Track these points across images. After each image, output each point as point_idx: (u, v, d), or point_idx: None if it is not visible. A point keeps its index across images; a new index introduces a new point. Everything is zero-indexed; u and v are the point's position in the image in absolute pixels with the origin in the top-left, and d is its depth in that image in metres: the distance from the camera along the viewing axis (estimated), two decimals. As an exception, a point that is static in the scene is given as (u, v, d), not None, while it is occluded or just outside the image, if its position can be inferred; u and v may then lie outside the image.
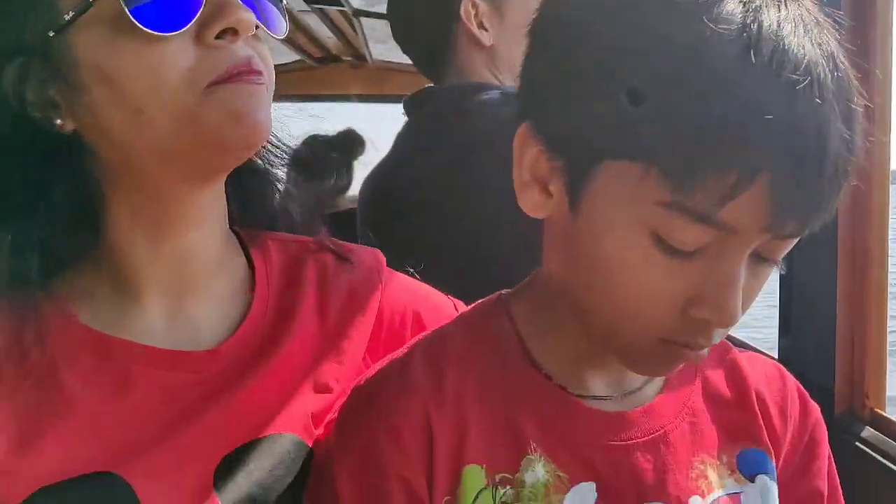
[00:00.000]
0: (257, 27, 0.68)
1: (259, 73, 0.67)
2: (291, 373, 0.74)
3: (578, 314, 0.64)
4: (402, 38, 1.55)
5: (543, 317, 0.68)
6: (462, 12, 1.39)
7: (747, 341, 1.57)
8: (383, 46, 4.06)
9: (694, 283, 0.56)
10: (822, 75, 0.53)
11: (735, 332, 0.82)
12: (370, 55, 4.57)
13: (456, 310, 0.84)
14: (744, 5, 0.53)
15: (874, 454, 1.18)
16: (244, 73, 0.66)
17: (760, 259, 0.59)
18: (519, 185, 0.64)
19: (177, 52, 0.63)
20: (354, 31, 4.08)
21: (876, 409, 1.25)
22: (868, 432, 1.23)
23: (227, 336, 0.74)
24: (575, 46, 0.58)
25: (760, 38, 0.52)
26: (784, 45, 0.52)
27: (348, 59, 4.99)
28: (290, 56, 4.57)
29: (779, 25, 0.52)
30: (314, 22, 4.05)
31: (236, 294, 0.77)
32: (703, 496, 0.66)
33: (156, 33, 0.62)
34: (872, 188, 1.27)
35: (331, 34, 4.32)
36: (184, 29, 0.63)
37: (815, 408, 0.77)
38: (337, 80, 5.18)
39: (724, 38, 0.51)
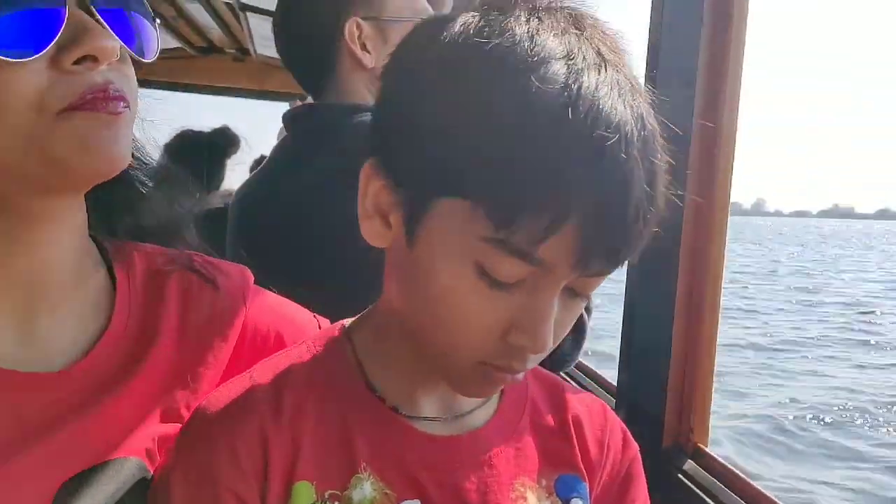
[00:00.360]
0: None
1: (119, 99, 0.64)
2: (145, 397, 0.73)
3: (411, 338, 0.69)
4: (285, 52, 1.55)
5: (381, 342, 0.73)
6: (346, 33, 1.41)
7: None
8: (269, 42, 4.04)
9: (512, 313, 0.62)
10: (629, 133, 0.58)
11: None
12: (254, 50, 4.53)
13: (320, 329, 0.86)
14: (567, 67, 0.59)
15: (694, 487, 1.29)
16: (100, 99, 0.63)
17: (573, 293, 0.65)
18: (362, 214, 0.68)
19: (28, 75, 0.60)
20: (240, 24, 4.04)
21: (699, 444, 1.36)
22: (689, 465, 1.33)
23: (81, 355, 0.72)
24: (418, 95, 0.63)
25: (579, 98, 0.57)
26: (599, 105, 0.58)
27: (231, 51, 4.93)
28: (170, 43, 4.48)
29: (597, 87, 0.58)
30: (198, 11, 3.99)
31: (95, 310, 0.75)
32: None
33: (5, 59, 0.59)
34: (712, 238, 1.37)
35: (214, 25, 4.26)
36: (38, 55, 0.60)
37: (635, 446, 0.83)
38: (217, 72, 5.11)
39: (547, 96, 0.57)
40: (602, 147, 0.57)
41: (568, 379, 1.86)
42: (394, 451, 0.69)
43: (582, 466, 0.76)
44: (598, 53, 0.61)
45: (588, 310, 1.32)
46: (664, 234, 1.36)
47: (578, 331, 1.30)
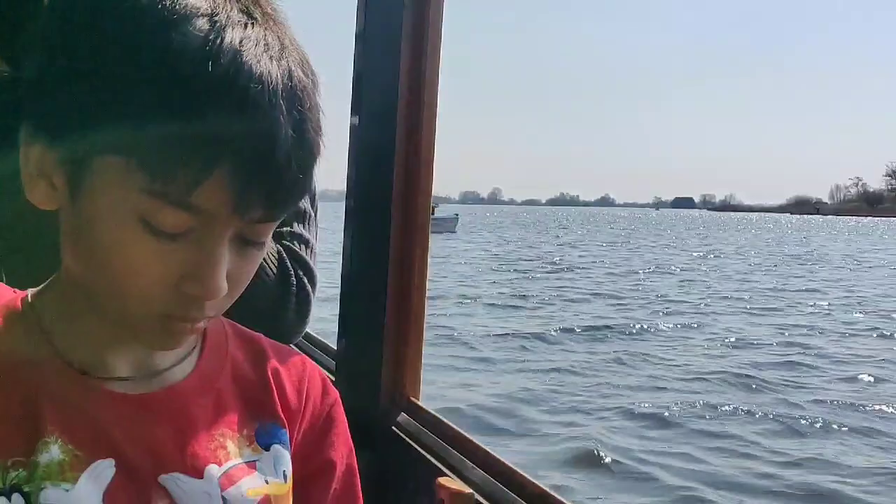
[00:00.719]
0: None
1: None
2: None
3: (92, 299, 0.69)
4: None
5: (66, 307, 0.72)
6: None
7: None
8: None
9: (183, 262, 0.64)
10: (274, 84, 0.62)
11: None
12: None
13: None
14: (211, 23, 0.62)
15: (406, 437, 1.40)
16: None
17: (245, 241, 0.68)
18: (26, 179, 0.68)
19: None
20: None
21: (411, 398, 1.48)
22: (403, 417, 1.45)
23: None
24: (66, 48, 0.64)
25: (221, 51, 0.61)
26: (242, 58, 0.61)
27: None
28: None
29: (240, 42, 0.62)
30: None
31: None
32: (219, 464, 0.73)
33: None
34: (418, 222, 1.49)
35: None
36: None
37: (335, 392, 0.87)
38: None
39: (189, 49, 0.60)
40: (245, 97, 0.61)
41: (293, 347, 1.90)
42: (84, 413, 0.70)
43: (282, 415, 0.80)
44: (245, 13, 0.65)
45: (313, 282, 1.36)
46: (378, 216, 1.47)
47: (302, 303, 1.34)
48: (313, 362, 0.87)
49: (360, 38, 1.56)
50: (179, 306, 0.66)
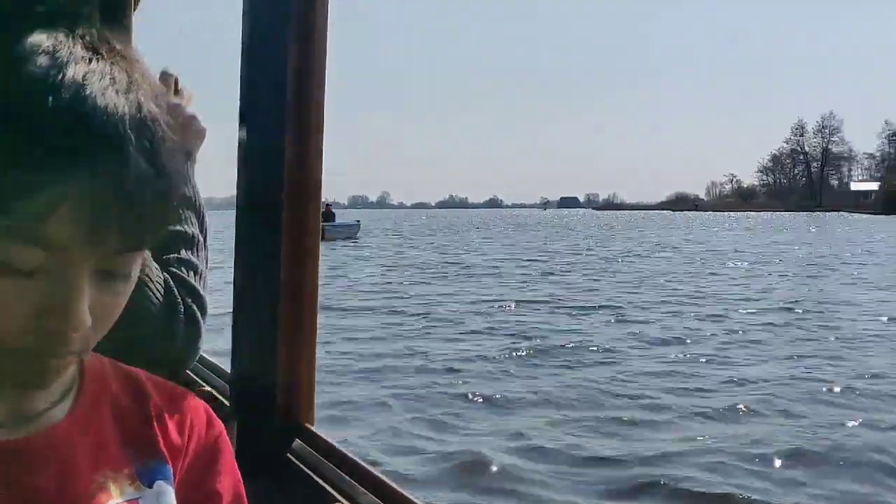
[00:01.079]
0: None
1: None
2: None
3: None
4: None
5: None
6: None
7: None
8: None
9: (42, 297, 0.64)
10: (120, 116, 0.63)
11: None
12: None
13: None
14: (52, 59, 0.62)
15: (301, 464, 1.41)
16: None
17: (108, 274, 0.68)
18: None
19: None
20: None
21: (306, 425, 1.48)
22: (297, 444, 1.45)
23: None
24: None
25: (62, 85, 0.61)
26: (84, 91, 0.62)
27: None
28: None
29: (84, 77, 0.63)
30: None
31: None
32: None
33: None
34: (308, 223, 1.50)
35: None
36: None
37: (220, 424, 0.88)
38: None
39: (30, 85, 0.61)
40: (89, 129, 0.61)
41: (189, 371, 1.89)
42: None
43: (165, 451, 0.81)
44: (90, 49, 0.66)
45: (203, 309, 1.36)
46: (267, 230, 1.47)
47: (191, 330, 1.33)
48: (195, 396, 0.88)
49: (245, 47, 1.55)
50: (43, 342, 0.66)
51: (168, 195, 0.67)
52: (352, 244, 40.82)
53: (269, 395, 1.49)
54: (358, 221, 50.46)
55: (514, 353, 11.11)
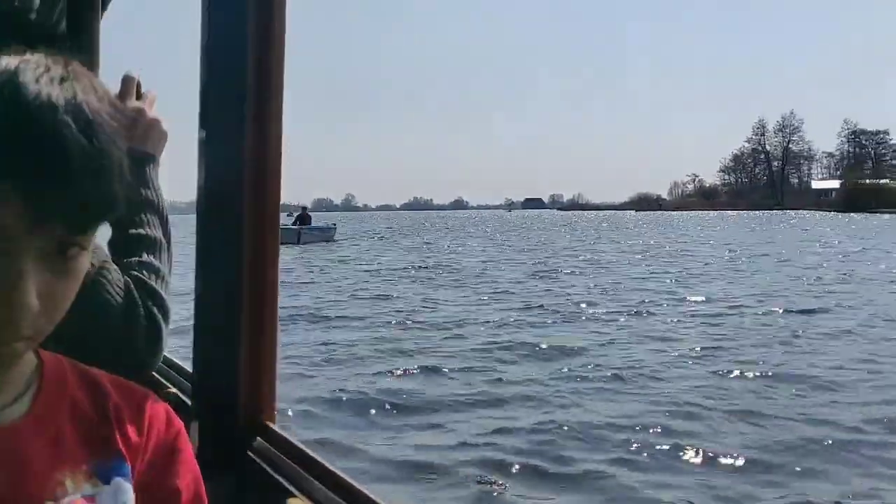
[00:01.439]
0: None
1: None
2: None
3: None
4: None
5: None
6: None
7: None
8: None
9: None
10: (54, 102, 0.65)
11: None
12: None
13: None
14: None
15: (262, 462, 1.42)
16: None
17: (57, 258, 0.70)
18: None
19: None
20: None
21: (267, 423, 1.50)
22: (258, 442, 1.47)
23: None
24: None
25: (4, 84, 0.65)
26: (18, 78, 0.65)
27: None
28: None
29: (17, 65, 0.66)
30: None
31: None
32: (56, 501, 0.75)
33: None
34: (267, 239, 1.52)
35: None
36: None
37: (179, 423, 0.91)
38: None
39: None
40: (23, 114, 0.64)
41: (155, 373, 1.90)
42: None
43: (123, 449, 0.82)
44: (29, 46, 0.69)
45: (164, 312, 1.36)
46: (228, 231, 1.48)
47: (152, 333, 1.34)
48: (155, 395, 0.90)
49: (205, 50, 1.56)
50: None
51: (108, 181, 0.69)
52: (328, 247, 40.48)
53: (230, 395, 1.50)
54: (334, 224, 49.91)
55: (487, 354, 11.15)
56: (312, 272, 24.30)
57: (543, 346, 11.52)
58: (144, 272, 1.36)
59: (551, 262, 28.95)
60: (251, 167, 1.49)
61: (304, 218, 44.15)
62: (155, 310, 1.33)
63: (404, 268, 26.59)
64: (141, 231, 1.42)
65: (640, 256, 31.89)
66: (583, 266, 27.01)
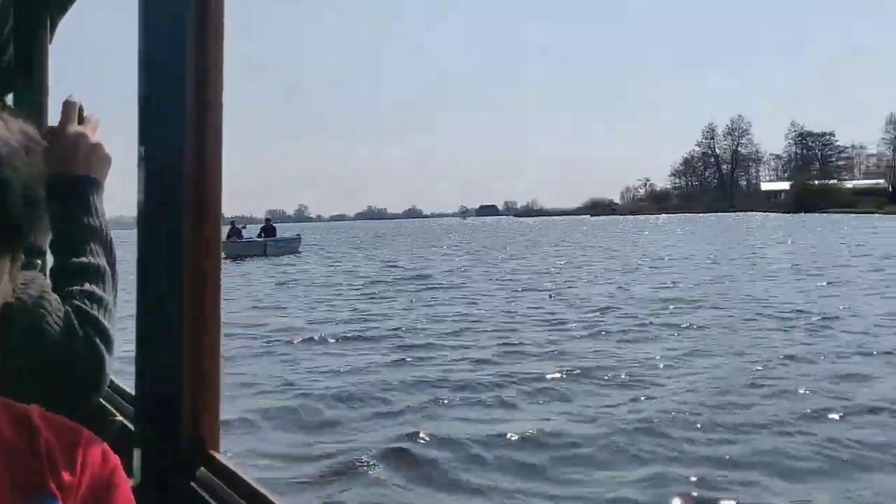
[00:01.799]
0: None
1: None
2: None
3: None
4: None
5: None
6: None
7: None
8: None
9: None
10: None
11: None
12: None
13: None
14: None
15: (204, 493, 1.38)
16: None
17: None
18: None
19: None
20: None
21: (211, 452, 1.45)
22: (202, 472, 1.42)
23: None
24: None
25: None
26: None
27: None
28: None
29: None
30: None
31: None
32: None
33: None
34: (210, 259, 1.47)
35: None
36: None
37: (115, 459, 0.89)
38: None
39: None
40: None
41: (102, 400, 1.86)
42: None
43: (54, 487, 0.81)
44: None
45: (106, 341, 1.34)
46: (168, 257, 1.44)
47: (93, 363, 1.32)
48: (90, 432, 0.88)
49: (142, 66, 1.52)
50: None
51: (7, 205, 0.69)
52: (295, 259, 40.29)
53: (172, 422, 1.46)
54: (299, 235, 49.62)
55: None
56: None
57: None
58: (86, 301, 1.34)
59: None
60: (191, 181, 1.45)
61: (268, 230, 44.01)
62: (97, 340, 1.32)
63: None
64: (83, 259, 1.41)
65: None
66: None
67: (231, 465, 1.40)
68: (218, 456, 1.44)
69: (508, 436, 7.58)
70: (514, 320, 15.15)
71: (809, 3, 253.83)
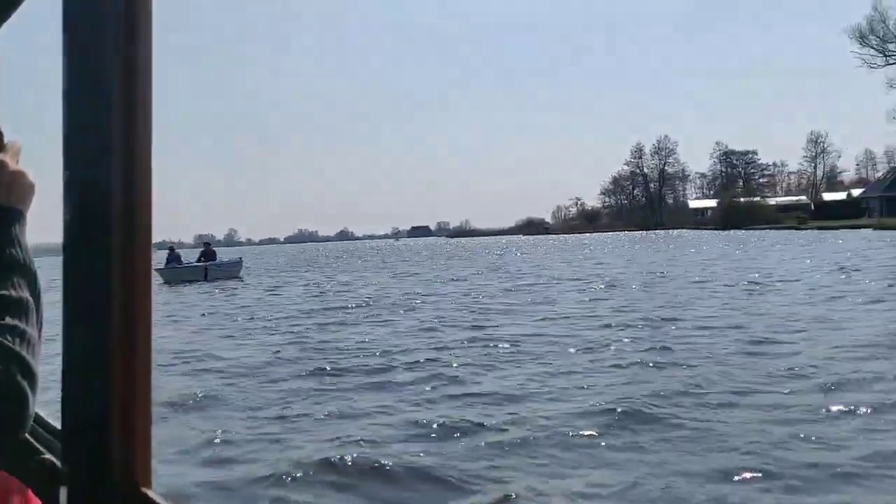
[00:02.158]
0: None
1: None
2: None
3: None
4: None
5: None
6: None
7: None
8: None
9: None
10: None
11: None
12: None
13: None
14: None
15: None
16: None
17: None
18: None
19: None
20: None
21: (143, 488, 1.40)
22: (132, 509, 1.37)
23: None
24: None
25: None
26: None
27: None
28: None
29: None
30: None
31: None
32: None
33: None
34: (138, 287, 1.42)
35: None
36: None
37: (37, 502, 0.85)
38: None
39: None
40: None
41: (29, 436, 1.79)
42: None
43: None
44: None
45: (29, 377, 1.29)
46: (95, 285, 1.39)
47: (15, 401, 1.27)
48: (7, 475, 0.86)
49: (66, 94, 1.47)
50: None
51: None
52: (237, 283, 39.49)
53: (100, 457, 1.41)
54: (240, 258, 48.66)
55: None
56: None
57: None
58: (7, 336, 1.29)
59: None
60: (119, 210, 1.40)
61: (208, 254, 42.97)
62: (18, 376, 1.26)
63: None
64: (4, 293, 1.35)
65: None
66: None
67: (162, 499, 1.36)
68: (150, 493, 1.39)
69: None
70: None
71: (723, 21, 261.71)
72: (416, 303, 23.67)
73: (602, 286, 26.90)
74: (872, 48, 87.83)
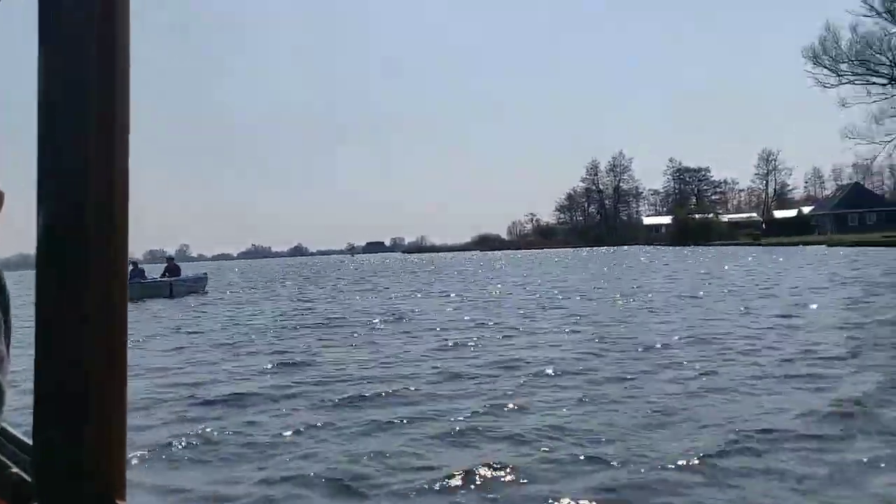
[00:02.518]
0: None
1: None
2: None
3: None
4: None
5: None
6: None
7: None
8: None
9: None
10: None
11: None
12: None
13: None
14: None
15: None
16: None
17: None
18: None
19: None
20: None
21: (118, 501, 1.38)
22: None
23: None
24: None
25: None
26: None
27: None
28: None
29: None
30: None
31: None
32: None
33: None
34: (114, 298, 1.41)
35: None
36: None
37: None
38: None
39: None
40: None
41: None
42: None
43: None
44: None
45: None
46: (70, 296, 1.38)
47: None
48: None
49: (42, 105, 1.44)
50: None
51: None
52: (203, 298, 38.76)
53: (73, 470, 1.39)
54: (205, 274, 47.72)
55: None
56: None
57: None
58: None
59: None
60: (92, 227, 1.40)
61: (172, 269, 42.14)
62: None
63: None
64: None
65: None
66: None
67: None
68: (125, 504, 1.38)
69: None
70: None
71: (677, 40, 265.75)
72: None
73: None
74: (826, 68, 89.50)
